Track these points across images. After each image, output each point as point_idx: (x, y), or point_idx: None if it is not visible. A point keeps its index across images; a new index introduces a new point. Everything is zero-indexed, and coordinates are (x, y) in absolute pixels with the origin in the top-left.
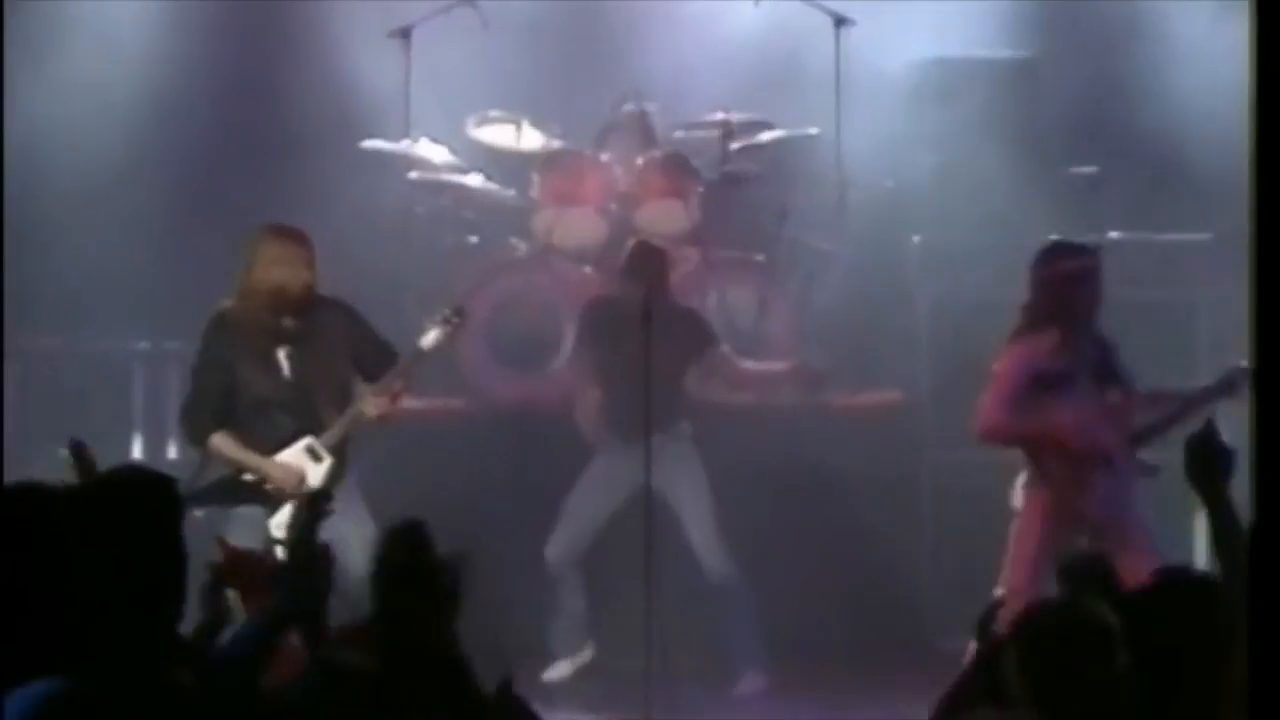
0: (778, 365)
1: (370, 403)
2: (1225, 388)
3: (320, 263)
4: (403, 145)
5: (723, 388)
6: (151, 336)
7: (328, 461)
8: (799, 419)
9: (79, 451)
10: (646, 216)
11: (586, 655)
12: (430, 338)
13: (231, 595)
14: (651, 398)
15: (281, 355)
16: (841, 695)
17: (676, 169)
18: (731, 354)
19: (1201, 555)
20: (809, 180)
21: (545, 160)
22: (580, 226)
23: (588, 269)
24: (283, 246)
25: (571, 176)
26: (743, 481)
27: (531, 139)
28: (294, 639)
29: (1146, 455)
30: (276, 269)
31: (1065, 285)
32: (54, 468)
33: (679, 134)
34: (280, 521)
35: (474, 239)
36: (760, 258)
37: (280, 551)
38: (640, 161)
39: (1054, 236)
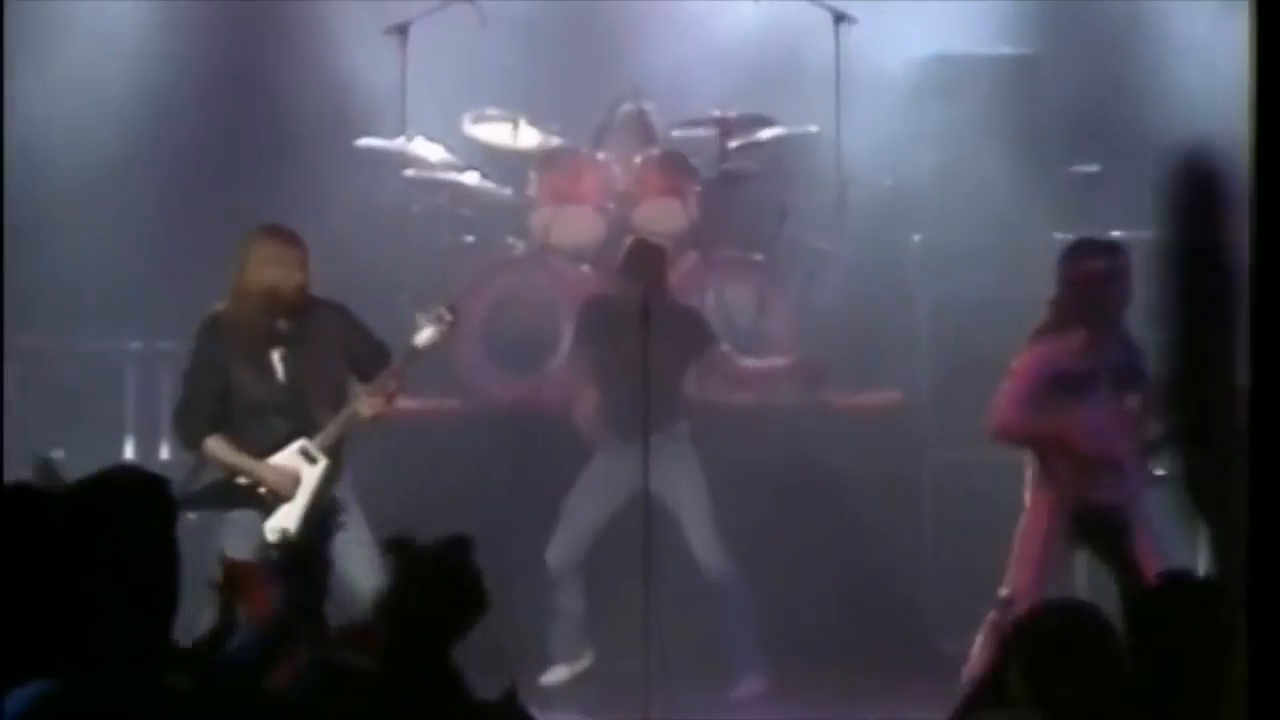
0: (778, 361)
1: (365, 403)
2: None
3: (316, 261)
4: (399, 143)
5: (723, 386)
6: (144, 336)
7: (322, 463)
8: (799, 418)
9: (45, 468)
10: (645, 215)
11: (586, 661)
12: (424, 336)
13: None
14: (650, 397)
15: (275, 358)
16: (841, 697)
17: (675, 167)
18: (732, 352)
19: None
20: (808, 179)
21: (543, 158)
22: (578, 225)
23: (585, 268)
24: (275, 247)
25: (569, 175)
26: (742, 481)
27: (529, 137)
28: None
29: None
30: (269, 270)
31: (1093, 284)
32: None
33: (677, 132)
34: (275, 525)
35: (470, 238)
36: (759, 256)
37: (276, 556)
38: (638, 160)
39: (1060, 235)
